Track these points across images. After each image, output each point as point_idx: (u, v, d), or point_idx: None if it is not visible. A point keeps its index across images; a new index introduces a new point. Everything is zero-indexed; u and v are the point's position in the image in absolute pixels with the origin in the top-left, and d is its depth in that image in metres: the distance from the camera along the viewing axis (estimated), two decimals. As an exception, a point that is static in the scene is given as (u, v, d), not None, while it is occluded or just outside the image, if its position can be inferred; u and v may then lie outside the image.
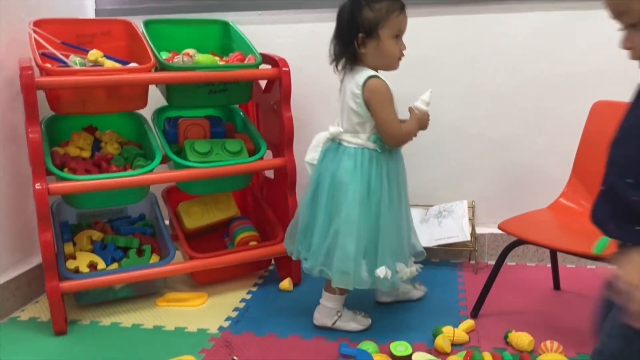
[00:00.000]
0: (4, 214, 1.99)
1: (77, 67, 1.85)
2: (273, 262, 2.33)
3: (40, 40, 1.89)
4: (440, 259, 2.38)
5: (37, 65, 1.81)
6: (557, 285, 2.08)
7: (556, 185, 1.95)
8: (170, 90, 2.03)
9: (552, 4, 2.15)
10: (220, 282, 2.18)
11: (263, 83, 2.24)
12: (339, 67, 1.75)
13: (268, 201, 2.32)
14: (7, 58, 1.98)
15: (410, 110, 1.78)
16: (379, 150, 1.70)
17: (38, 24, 1.96)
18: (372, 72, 1.68)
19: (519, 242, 1.75)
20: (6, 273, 2.00)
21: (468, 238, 2.20)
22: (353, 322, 1.82)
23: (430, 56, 2.27)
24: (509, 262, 2.28)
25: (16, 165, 2.03)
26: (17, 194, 2.05)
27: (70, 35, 2.07)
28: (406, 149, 2.34)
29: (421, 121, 1.78)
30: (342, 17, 1.69)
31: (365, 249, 1.67)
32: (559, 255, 2.05)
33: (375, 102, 1.67)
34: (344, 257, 1.65)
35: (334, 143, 1.76)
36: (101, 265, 1.96)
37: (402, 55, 1.71)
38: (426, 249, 2.27)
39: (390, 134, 1.69)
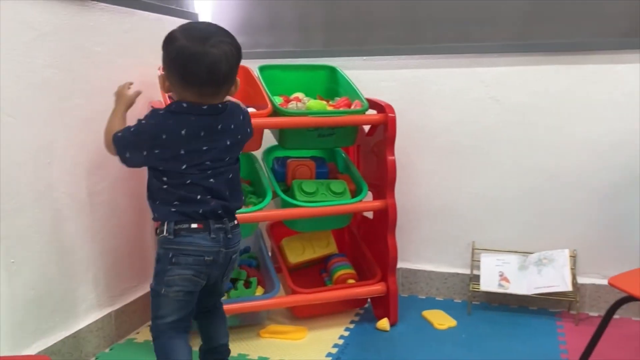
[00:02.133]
0: (125, 243, 2.16)
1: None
2: (369, 300, 2.38)
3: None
4: (538, 307, 2.35)
5: (166, 108, 1.97)
6: (665, 343, 2.01)
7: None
8: (283, 133, 2.15)
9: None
10: (318, 317, 2.26)
11: (366, 126, 2.33)
12: None
13: (365, 240, 2.39)
14: (137, 99, 2.16)
15: None
16: None
17: (165, 68, 2.14)
18: None
19: (630, 298, 1.71)
20: (125, 297, 2.16)
21: (570, 288, 2.17)
22: None
23: (530, 104, 2.29)
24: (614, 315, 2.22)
25: (137, 198, 2.20)
26: (137, 224, 2.22)
27: (192, 78, 2.24)
28: (502, 194, 2.37)
29: None
30: None
31: None
32: (669, 312, 1.99)
33: None
34: None
35: None
36: (212, 294, 2.08)
37: None
38: (524, 296, 2.28)
39: None
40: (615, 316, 2.21)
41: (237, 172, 1.54)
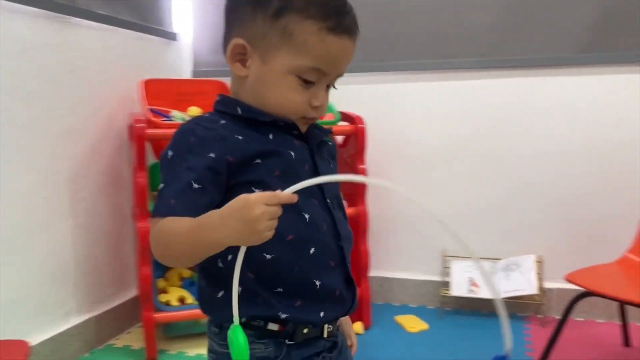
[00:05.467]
0: (104, 250, 2.22)
1: (180, 121, 2.09)
2: (344, 306, 2.44)
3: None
4: (508, 312, 2.41)
5: (147, 119, 2.06)
6: (627, 342, 2.09)
7: (625, 241, 2.00)
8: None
9: (623, 68, 2.26)
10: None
11: (340, 138, 2.42)
12: None
13: (341, 248, 2.46)
14: (118, 112, 2.26)
15: None
16: None
17: (146, 83, 2.23)
18: None
19: (586, 294, 1.79)
20: (105, 304, 2.21)
21: (535, 291, 2.25)
22: None
23: (495, 117, 2.41)
24: (578, 317, 2.31)
25: (117, 207, 2.28)
26: (117, 232, 2.28)
27: (171, 93, 2.34)
28: (471, 203, 2.46)
29: None
30: None
31: None
32: (630, 313, 2.07)
33: None
34: None
35: None
36: (189, 299, 2.14)
37: None
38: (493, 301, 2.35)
39: None
40: (580, 318, 2.33)
41: None
